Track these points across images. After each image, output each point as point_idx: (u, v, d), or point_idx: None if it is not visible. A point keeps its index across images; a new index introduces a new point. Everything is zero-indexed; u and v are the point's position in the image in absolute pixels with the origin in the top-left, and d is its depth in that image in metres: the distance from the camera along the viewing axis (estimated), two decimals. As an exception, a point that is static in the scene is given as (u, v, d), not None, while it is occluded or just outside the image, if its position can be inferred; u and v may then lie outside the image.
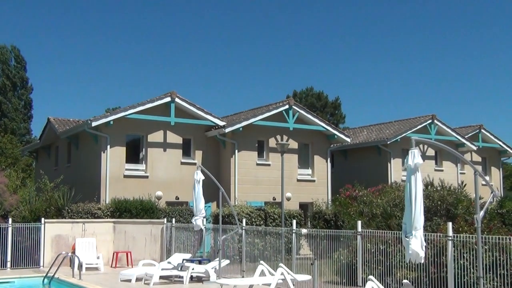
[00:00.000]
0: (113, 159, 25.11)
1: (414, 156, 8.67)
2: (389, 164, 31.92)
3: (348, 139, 30.15)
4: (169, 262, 18.36)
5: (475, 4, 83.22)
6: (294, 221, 17.07)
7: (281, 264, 14.16)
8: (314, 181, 29.39)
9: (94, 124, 24.40)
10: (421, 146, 32.73)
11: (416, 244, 8.26)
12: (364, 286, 10.57)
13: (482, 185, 23.09)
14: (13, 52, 52.58)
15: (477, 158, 36.69)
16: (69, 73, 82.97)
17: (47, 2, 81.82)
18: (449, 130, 33.55)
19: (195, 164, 25.85)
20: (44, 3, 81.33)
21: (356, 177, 30.43)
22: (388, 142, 31.47)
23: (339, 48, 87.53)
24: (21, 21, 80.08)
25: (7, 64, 52.16)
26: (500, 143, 36.92)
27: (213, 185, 18.74)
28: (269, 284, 13.93)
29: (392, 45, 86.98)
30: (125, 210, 22.83)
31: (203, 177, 18.38)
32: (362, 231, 14.15)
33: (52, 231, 20.84)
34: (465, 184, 22.95)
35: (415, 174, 8.62)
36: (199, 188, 17.64)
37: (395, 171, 31.84)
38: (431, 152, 33.59)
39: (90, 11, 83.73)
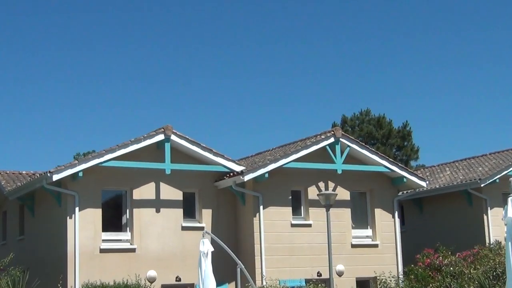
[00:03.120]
0: (84, 226, 25.04)
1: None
2: (485, 217, 31.83)
3: (423, 183, 30.05)
4: None
5: None
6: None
7: None
8: (376, 245, 29.28)
9: (55, 177, 24.35)
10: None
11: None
12: None
13: None
14: None
15: None
16: (20, 115, 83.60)
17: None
18: None
19: (202, 228, 25.49)
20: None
21: (438, 237, 30.26)
22: (482, 185, 31.16)
23: (404, 53, 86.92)
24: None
25: None
26: None
27: (229, 258, 18.50)
28: None
29: (480, 45, 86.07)
30: (102, 301, 22.63)
31: (212, 248, 18.12)
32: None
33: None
34: None
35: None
36: (207, 264, 17.57)
37: (495, 226, 31.48)
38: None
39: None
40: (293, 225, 27.67)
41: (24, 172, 30.24)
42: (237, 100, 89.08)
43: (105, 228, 25.67)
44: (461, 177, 32.99)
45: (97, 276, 24.09)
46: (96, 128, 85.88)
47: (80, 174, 24.78)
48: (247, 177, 26.44)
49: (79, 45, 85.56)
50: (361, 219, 29.45)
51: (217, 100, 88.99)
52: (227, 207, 27.68)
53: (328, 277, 24.51)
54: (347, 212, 28.79)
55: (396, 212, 29.83)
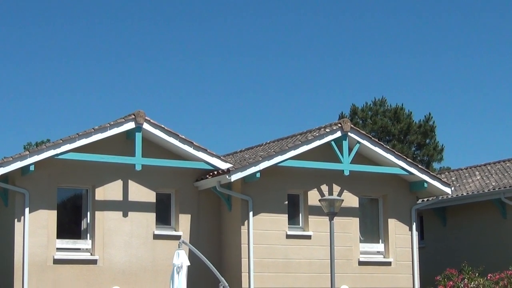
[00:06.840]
0: (35, 231, 25.02)
1: None
2: (521, 231, 31.48)
3: (448, 190, 30.15)
4: None
5: None
6: None
7: None
8: (389, 263, 29.43)
9: (1, 171, 24.32)
10: None
11: None
12: None
13: None
14: None
15: None
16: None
17: None
18: None
19: (178, 237, 25.56)
20: None
21: (463, 255, 30.81)
22: (518, 193, 31.27)
23: (428, 32, 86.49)
24: None
25: None
26: None
27: (210, 274, 18.36)
28: None
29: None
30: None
31: (187, 262, 18.14)
32: None
33: None
34: None
35: None
36: (180, 280, 17.56)
37: (533, 243, 31.49)
38: None
39: None
40: (289, 236, 27.69)
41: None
42: (224, 85, 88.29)
43: (61, 234, 25.64)
44: (493, 183, 32.75)
45: (49, 292, 24.11)
46: (52, 114, 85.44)
47: (32, 167, 24.69)
48: (234, 177, 26.31)
49: (29, 20, 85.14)
50: (372, 231, 29.69)
51: (200, 84, 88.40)
52: (210, 213, 27.77)
53: (330, 299, 24.42)
54: (354, 222, 28.91)
55: (414, 223, 29.94)
